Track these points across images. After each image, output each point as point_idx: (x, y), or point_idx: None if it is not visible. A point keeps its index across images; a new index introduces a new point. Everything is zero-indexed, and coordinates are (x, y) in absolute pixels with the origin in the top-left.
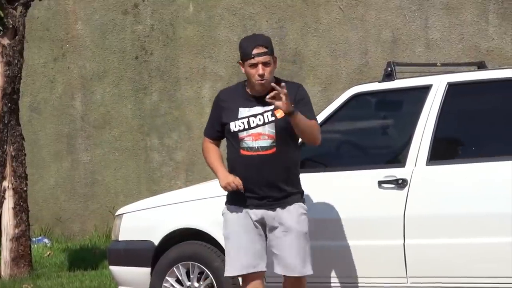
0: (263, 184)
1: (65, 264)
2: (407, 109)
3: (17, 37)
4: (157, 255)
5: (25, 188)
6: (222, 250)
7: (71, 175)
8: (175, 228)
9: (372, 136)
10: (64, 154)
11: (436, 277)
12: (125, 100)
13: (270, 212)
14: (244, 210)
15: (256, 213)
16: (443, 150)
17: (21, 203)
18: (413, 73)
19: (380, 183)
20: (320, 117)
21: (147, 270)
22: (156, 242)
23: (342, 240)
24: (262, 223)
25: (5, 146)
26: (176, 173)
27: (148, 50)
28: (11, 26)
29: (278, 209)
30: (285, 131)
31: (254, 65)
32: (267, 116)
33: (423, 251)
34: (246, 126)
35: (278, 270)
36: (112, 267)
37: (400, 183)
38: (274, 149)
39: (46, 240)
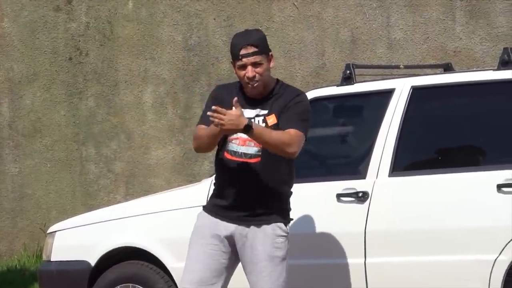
0: (240, 194)
1: None
2: (368, 115)
3: None
4: (93, 277)
5: None
6: (166, 270)
7: None
8: (114, 246)
9: (329, 145)
10: None
11: None
12: (57, 105)
13: (242, 229)
14: (215, 221)
15: (227, 227)
16: (407, 160)
17: None
18: (374, 76)
19: (339, 196)
20: None
21: None
22: (93, 262)
23: (297, 258)
24: (231, 240)
25: None
26: (114, 186)
27: (83, 50)
28: None
29: (253, 227)
30: None
31: (243, 67)
32: (258, 121)
33: (386, 270)
34: None
35: None
36: None
37: (361, 196)
38: (258, 159)
39: None
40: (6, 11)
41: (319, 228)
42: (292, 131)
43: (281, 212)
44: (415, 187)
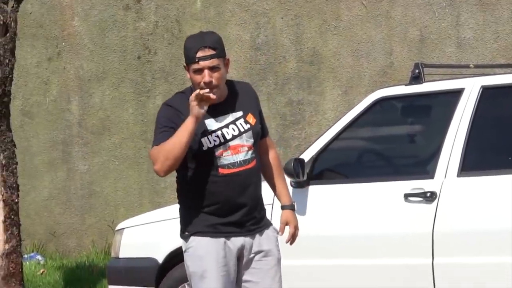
0: (246, 204)
1: (59, 284)
2: (437, 115)
3: (8, 34)
4: (161, 274)
5: (16, 200)
6: None
7: (67, 185)
8: (181, 244)
9: (397, 144)
10: (59, 163)
11: None
12: (126, 104)
13: (249, 240)
14: (221, 241)
15: (236, 243)
16: (476, 160)
17: (12, 216)
18: (443, 76)
19: (407, 196)
20: (341, 124)
21: None
22: (160, 259)
23: (364, 258)
24: (240, 254)
25: None
26: None
27: (151, 49)
28: (1, 23)
29: (257, 235)
30: (258, 138)
31: (199, 71)
32: (241, 124)
33: (454, 271)
34: (222, 140)
35: None
36: (111, 287)
37: (429, 196)
38: (254, 161)
39: (39, 257)
40: (77, 10)
41: (386, 228)
42: (272, 146)
43: (265, 213)
44: (484, 187)
